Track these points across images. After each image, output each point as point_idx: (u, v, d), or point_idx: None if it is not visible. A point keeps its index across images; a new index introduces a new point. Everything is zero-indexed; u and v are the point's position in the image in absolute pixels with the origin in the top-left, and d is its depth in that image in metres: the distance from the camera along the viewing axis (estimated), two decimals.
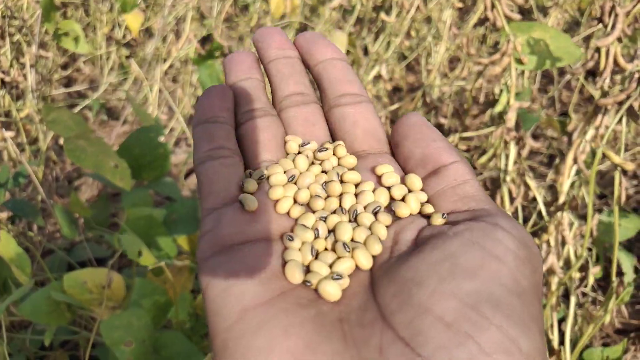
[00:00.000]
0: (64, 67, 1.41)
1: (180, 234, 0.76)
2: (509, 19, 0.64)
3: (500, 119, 0.92)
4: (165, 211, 0.75)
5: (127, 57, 1.36)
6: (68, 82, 1.40)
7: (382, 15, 1.11)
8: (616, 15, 0.54)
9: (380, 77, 1.03)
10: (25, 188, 1.13)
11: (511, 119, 0.63)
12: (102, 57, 1.39)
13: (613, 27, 0.54)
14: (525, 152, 0.99)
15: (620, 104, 0.51)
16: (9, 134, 0.79)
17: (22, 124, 1.05)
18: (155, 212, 0.73)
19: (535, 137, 1.24)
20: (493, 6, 0.63)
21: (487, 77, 1.05)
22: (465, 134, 0.84)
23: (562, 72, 1.72)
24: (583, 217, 0.77)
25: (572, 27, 1.70)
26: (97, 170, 0.58)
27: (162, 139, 0.82)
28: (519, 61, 0.64)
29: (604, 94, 0.55)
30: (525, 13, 1.71)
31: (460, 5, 1.19)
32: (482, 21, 1.26)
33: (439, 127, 1.13)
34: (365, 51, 1.32)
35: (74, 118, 0.68)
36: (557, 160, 0.71)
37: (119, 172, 0.58)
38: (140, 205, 0.78)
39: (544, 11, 1.42)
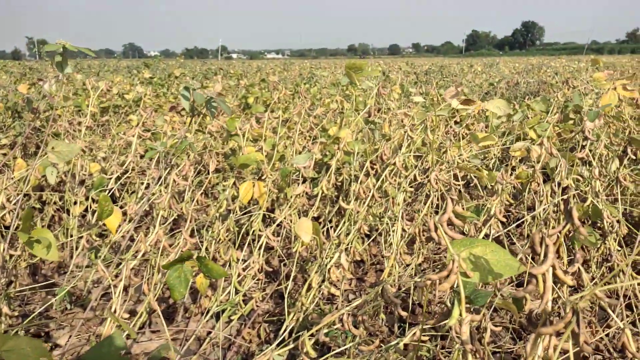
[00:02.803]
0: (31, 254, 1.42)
1: None
2: (452, 237, 0.71)
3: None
4: None
5: (97, 249, 1.39)
6: (34, 268, 1.40)
7: (342, 203, 1.20)
8: (547, 246, 0.62)
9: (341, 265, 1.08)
10: None
11: (465, 332, 0.67)
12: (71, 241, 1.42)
13: (545, 256, 0.61)
14: (487, 338, 1.01)
15: (559, 333, 0.56)
16: None
17: None
18: None
19: (495, 310, 1.29)
20: (436, 227, 0.70)
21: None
22: (427, 326, 0.87)
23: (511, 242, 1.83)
24: None
25: (515, 196, 1.86)
26: None
27: (123, 353, 0.81)
28: (465, 274, 0.70)
29: (547, 320, 0.60)
30: (471, 187, 1.87)
31: (411, 189, 1.31)
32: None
33: (401, 320, 1.17)
34: (328, 232, 1.40)
35: (32, 344, 0.67)
36: None
37: None
38: None
39: (487, 189, 1.57)
